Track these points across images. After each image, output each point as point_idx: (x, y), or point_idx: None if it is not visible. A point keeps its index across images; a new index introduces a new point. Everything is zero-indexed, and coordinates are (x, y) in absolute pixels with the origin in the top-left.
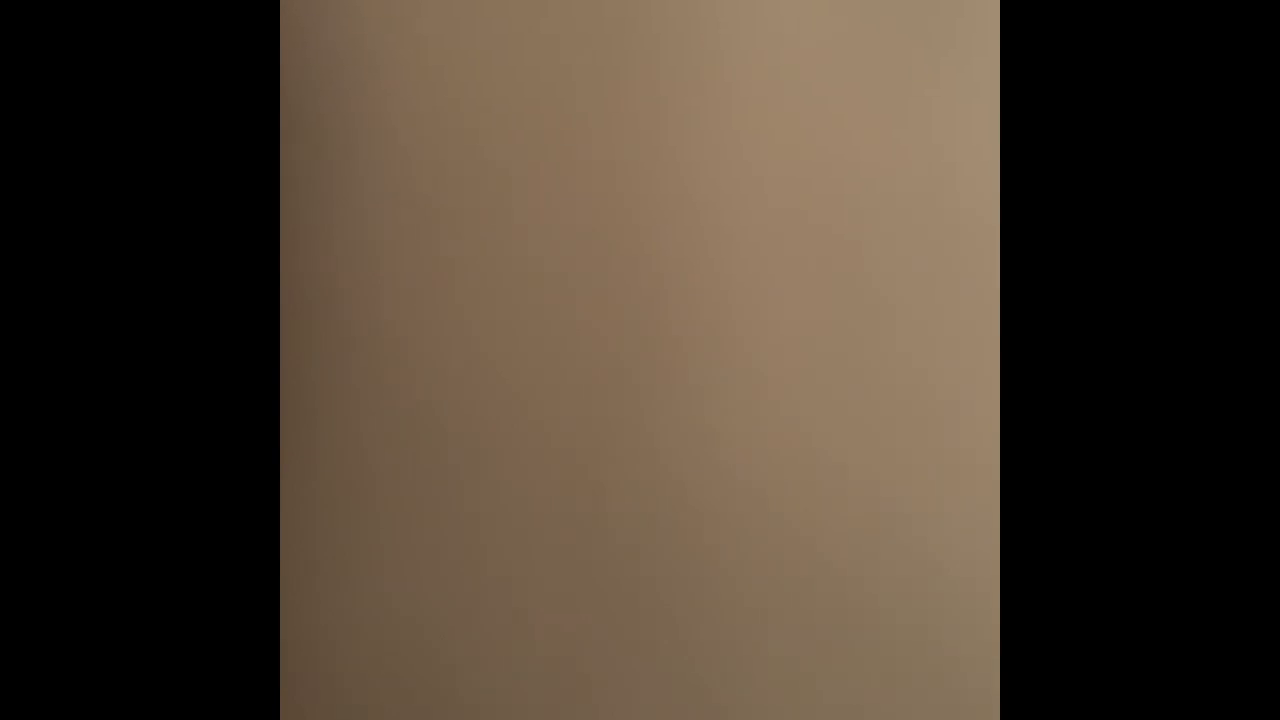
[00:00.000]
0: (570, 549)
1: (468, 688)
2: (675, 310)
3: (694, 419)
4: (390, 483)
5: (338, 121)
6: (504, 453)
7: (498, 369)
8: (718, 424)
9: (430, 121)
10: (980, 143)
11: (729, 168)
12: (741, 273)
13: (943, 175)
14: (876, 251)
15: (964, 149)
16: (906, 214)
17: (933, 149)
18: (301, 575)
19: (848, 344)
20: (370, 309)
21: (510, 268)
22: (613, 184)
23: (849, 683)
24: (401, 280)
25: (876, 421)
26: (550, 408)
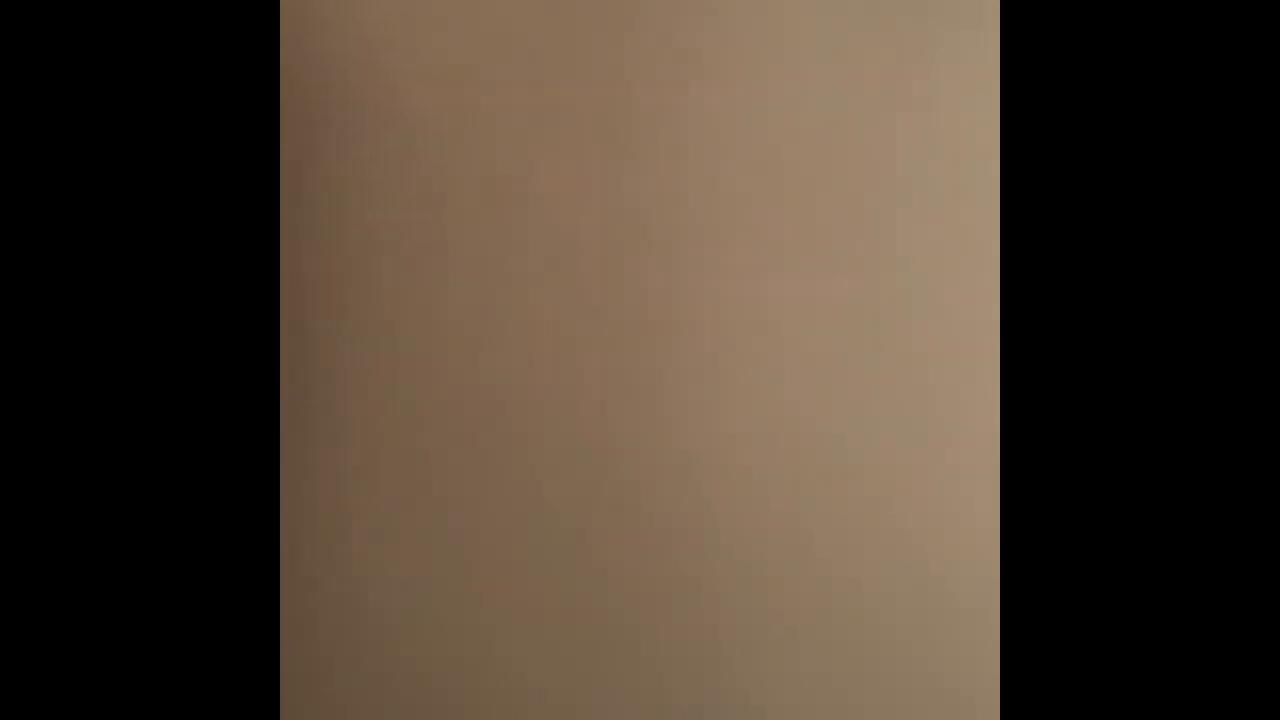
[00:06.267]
0: (570, 547)
1: (467, 687)
2: (680, 306)
3: (697, 416)
4: (390, 481)
5: (338, 120)
6: (507, 450)
7: (500, 366)
8: (721, 422)
9: (430, 119)
10: (981, 138)
11: (733, 162)
12: (742, 270)
13: (943, 171)
14: (877, 249)
15: (965, 144)
16: (907, 210)
17: (934, 146)
18: (302, 572)
19: (848, 341)
20: (370, 307)
21: (513, 263)
22: (615, 179)
23: (849, 680)
24: (402, 278)
25: (879, 417)
26: (553, 405)
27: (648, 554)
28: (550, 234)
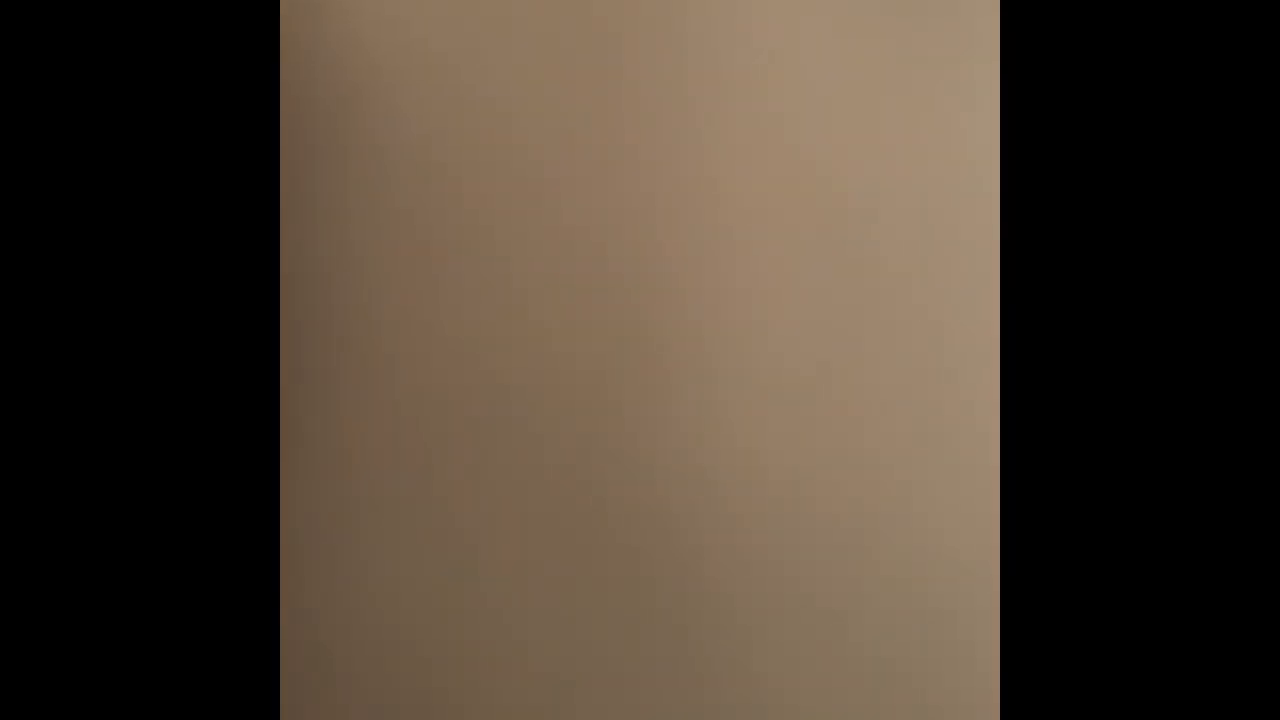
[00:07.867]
0: (569, 548)
1: (468, 687)
2: (675, 309)
3: (694, 418)
4: (390, 483)
5: (337, 121)
6: (505, 452)
7: (499, 368)
8: (718, 423)
9: (430, 121)
10: (981, 139)
11: (730, 167)
12: (742, 270)
13: (943, 172)
14: (877, 249)
15: (965, 145)
16: (907, 211)
17: (933, 146)
18: (302, 575)
19: (848, 340)
20: (370, 305)
21: (514, 261)
22: (614, 183)
23: (848, 680)
24: (402, 276)
25: (877, 417)
26: (550, 407)
27: (646, 553)
28: (552, 232)
